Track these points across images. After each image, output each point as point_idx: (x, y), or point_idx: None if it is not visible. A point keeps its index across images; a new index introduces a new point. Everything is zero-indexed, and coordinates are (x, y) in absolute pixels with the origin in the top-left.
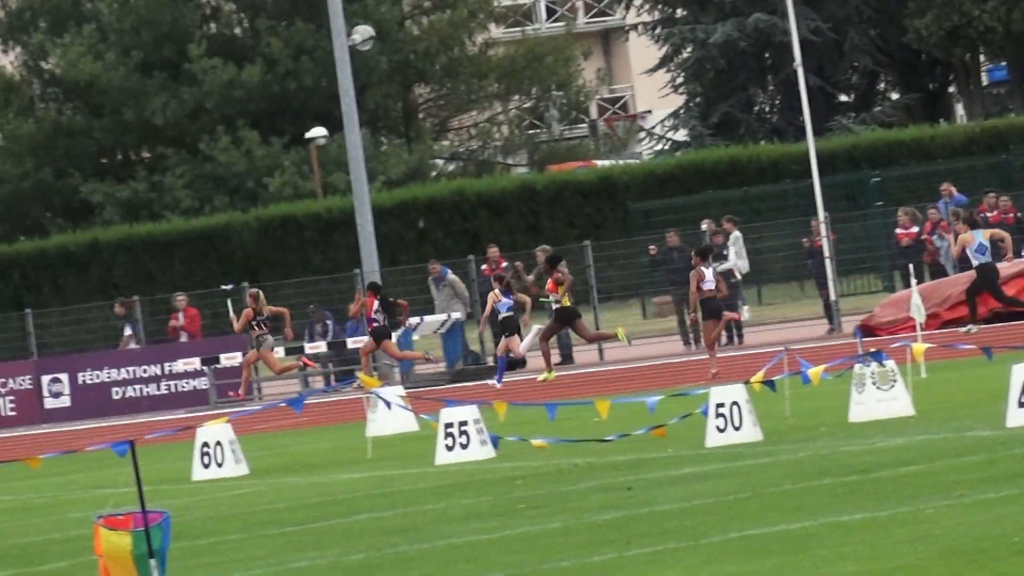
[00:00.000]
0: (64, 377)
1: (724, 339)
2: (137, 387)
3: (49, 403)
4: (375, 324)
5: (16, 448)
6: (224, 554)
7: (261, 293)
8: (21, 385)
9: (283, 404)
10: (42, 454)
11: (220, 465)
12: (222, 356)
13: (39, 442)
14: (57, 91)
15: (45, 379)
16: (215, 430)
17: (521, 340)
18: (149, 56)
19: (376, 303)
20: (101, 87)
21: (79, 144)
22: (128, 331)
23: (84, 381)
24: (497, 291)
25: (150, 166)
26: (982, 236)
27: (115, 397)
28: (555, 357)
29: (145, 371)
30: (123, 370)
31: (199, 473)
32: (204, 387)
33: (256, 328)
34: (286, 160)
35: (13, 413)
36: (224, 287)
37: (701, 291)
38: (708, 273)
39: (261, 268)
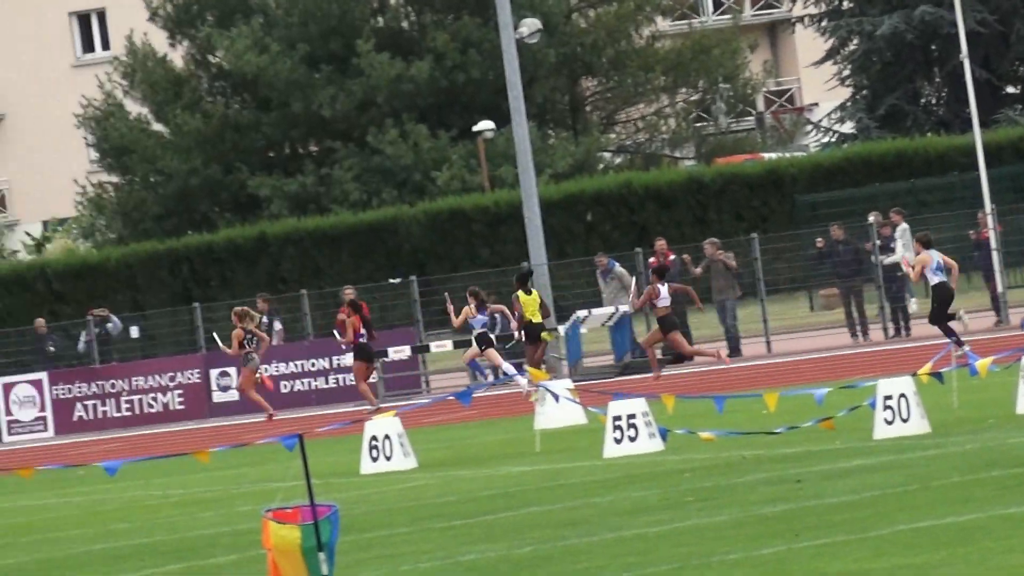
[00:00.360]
0: (232, 371)
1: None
2: (305, 381)
3: (217, 397)
4: (360, 342)
5: (185, 442)
6: (393, 547)
7: (251, 310)
8: (190, 379)
9: (451, 397)
10: (211, 448)
11: (388, 458)
12: (390, 350)
13: (208, 436)
14: (224, 85)
15: (213, 373)
16: (384, 424)
17: (498, 353)
18: (316, 49)
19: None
20: (267, 80)
21: (247, 138)
22: (278, 325)
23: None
24: (472, 306)
25: (318, 160)
26: (938, 256)
27: (283, 391)
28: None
29: (313, 365)
30: (291, 364)
31: (367, 467)
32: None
33: (245, 346)
34: (454, 153)
35: (182, 407)
36: (392, 280)
37: (656, 307)
38: (663, 291)
39: (429, 261)
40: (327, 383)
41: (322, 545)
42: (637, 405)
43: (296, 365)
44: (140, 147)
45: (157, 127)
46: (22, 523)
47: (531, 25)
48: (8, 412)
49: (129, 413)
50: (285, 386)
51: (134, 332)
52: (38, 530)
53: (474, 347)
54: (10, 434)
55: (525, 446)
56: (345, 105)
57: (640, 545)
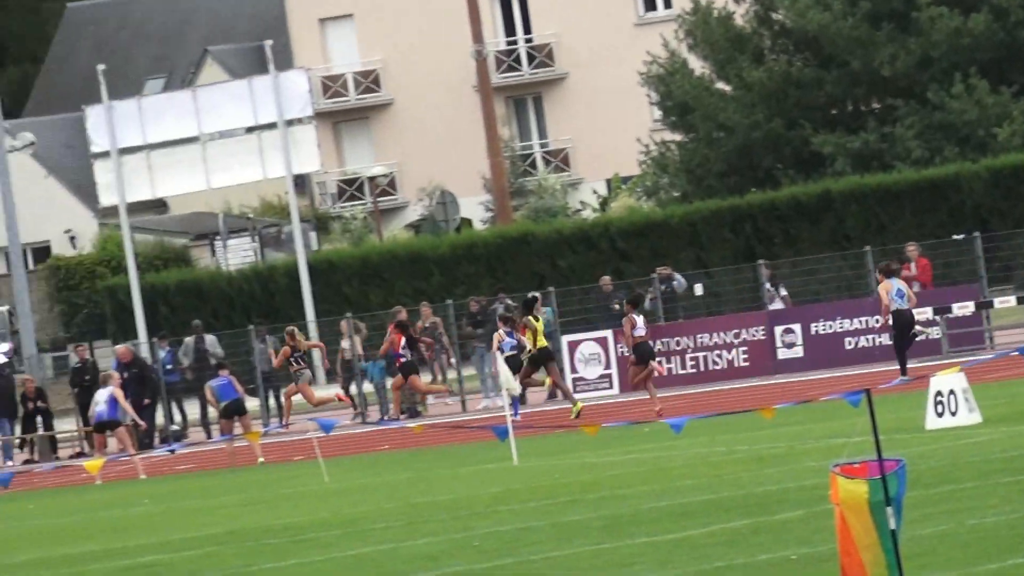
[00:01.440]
0: (797, 328)
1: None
2: (869, 337)
3: (782, 354)
4: (403, 360)
5: (750, 398)
6: (958, 501)
7: (297, 330)
8: (754, 336)
9: (1015, 353)
10: (776, 404)
11: (953, 414)
12: (954, 306)
13: (772, 392)
14: (786, 42)
15: (778, 330)
16: (949, 379)
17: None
18: (877, 7)
19: (403, 340)
20: (829, 38)
21: (809, 95)
22: (783, 292)
23: (816, 331)
24: (502, 331)
25: (880, 117)
26: (899, 283)
27: (847, 347)
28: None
29: (878, 321)
30: (855, 320)
31: (932, 422)
32: (936, 336)
33: (293, 363)
34: (1015, 109)
35: (746, 364)
36: (955, 237)
37: (633, 336)
38: (640, 320)
39: (991, 218)
40: (891, 339)
41: (890, 499)
42: None
43: (860, 322)
44: (703, 104)
45: (719, 85)
46: (588, 480)
47: None
48: (574, 370)
49: (694, 370)
50: (849, 342)
51: (698, 290)
52: (604, 487)
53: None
54: (575, 391)
55: None
56: (904, 63)
57: None
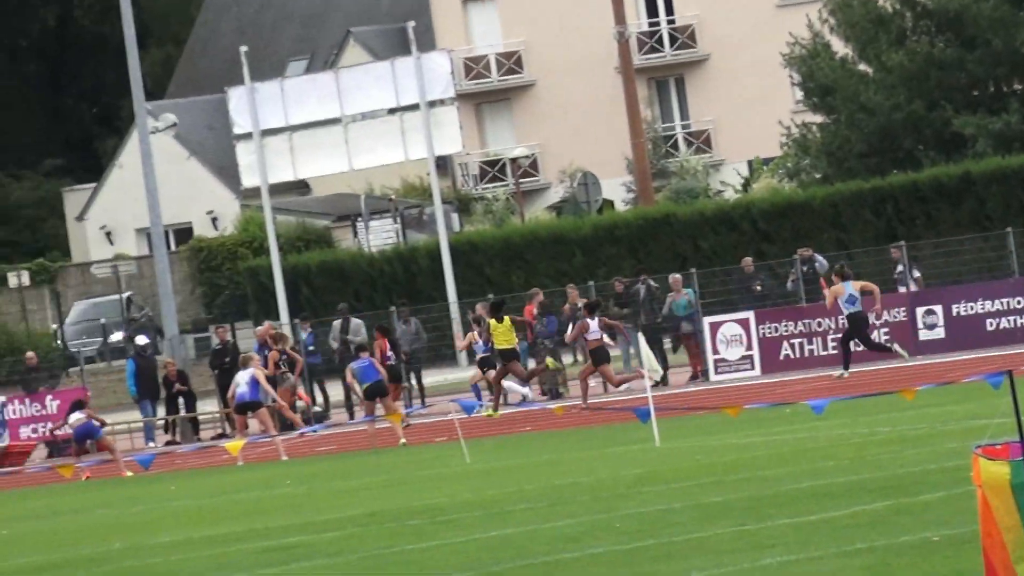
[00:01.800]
0: (938, 309)
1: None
2: (1011, 318)
3: (923, 335)
4: (390, 364)
5: (891, 380)
6: None
7: (286, 335)
8: (896, 317)
9: None
10: (917, 386)
11: None
12: None
13: (913, 374)
14: (928, 23)
15: (919, 311)
16: None
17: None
18: None
19: (388, 345)
20: (971, 18)
21: (950, 76)
22: (917, 273)
23: (958, 313)
24: (475, 333)
25: (1022, 97)
26: (852, 287)
27: (989, 328)
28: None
29: (1019, 302)
30: (997, 301)
31: None
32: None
33: (277, 367)
34: None
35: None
36: None
37: (588, 341)
38: (593, 325)
39: None
40: None
41: None
42: None
43: (1002, 303)
44: (844, 86)
45: (861, 67)
46: (729, 461)
47: None
48: (715, 351)
49: (836, 352)
50: (990, 323)
51: None
52: (745, 468)
53: (477, 371)
54: (717, 373)
55: None
56: None
57: None
